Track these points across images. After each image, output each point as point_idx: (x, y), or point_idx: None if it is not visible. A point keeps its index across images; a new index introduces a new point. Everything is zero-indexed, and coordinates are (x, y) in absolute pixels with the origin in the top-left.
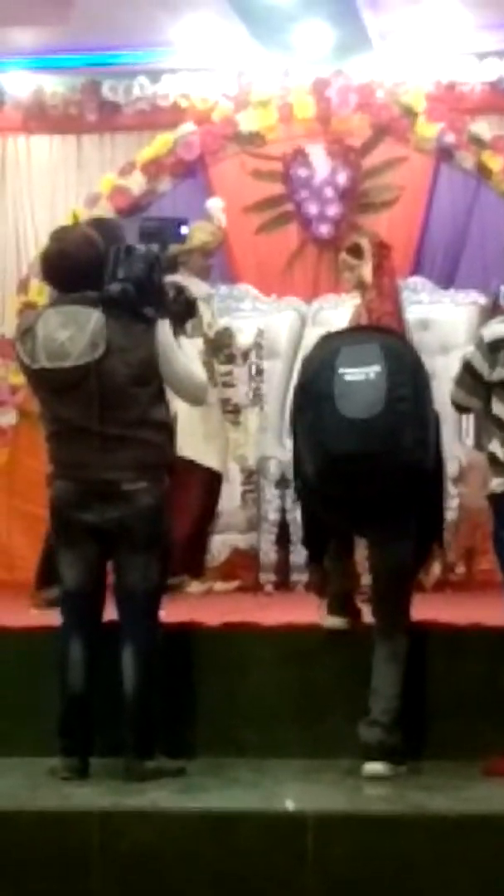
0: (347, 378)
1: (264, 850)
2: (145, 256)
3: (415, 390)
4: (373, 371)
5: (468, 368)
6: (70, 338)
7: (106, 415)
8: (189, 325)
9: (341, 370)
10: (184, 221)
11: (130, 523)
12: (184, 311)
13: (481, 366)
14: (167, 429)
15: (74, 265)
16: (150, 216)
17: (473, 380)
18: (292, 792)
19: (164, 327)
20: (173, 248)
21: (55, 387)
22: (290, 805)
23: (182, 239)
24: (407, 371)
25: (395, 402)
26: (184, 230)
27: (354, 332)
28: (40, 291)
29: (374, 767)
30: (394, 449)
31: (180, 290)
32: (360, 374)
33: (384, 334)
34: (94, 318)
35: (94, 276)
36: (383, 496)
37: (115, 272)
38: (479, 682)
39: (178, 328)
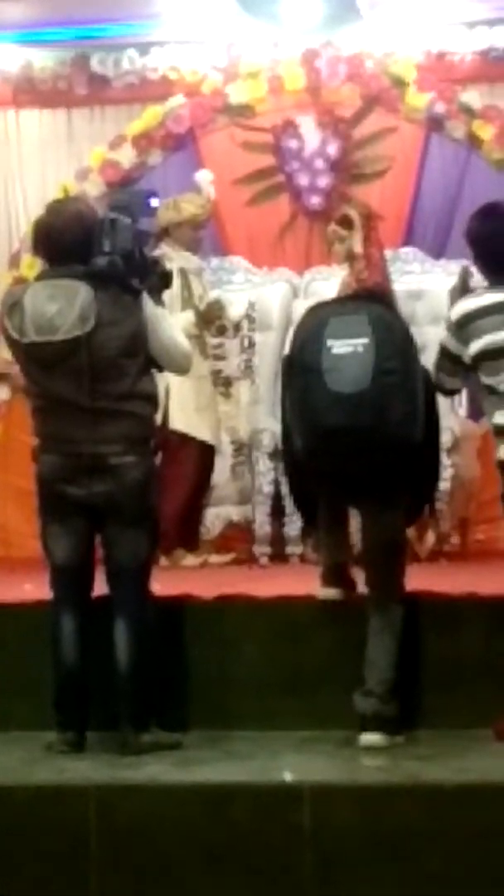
0: (335, 351)
1: (261, 823)
2: (131, 228)
3: (403, 363)
4: (360, 343)
5: (444, 352)
6: (59, 311)
7: (96, 388)
8: (179, 298)
9: (329, 342)
10: (153, 194)
11: (118, 497)
12: (160, 283)
13: (456, 347)
14: (154, 401)
15: (62, 238)
16: (119, 189)
17: (452, 363)
18: (288, 764)
19: (148, 298)
20: (162, 221)
21: (44, 361)
22: (286, 777)
23: (152, 212)
24: (396, 343)
25: (382, 376)
26: (153, 202)
27: (344, 302)
28: (31, 266)
29: (370, 738)
30: (381, 423)
31: (156, 261)
32: (348, 347)
33: (373, 304)
34: (82, 291)
35: (82, 249)
36: (372, 470)
37: (102, 245)
38: (474, 651)
39: (156, 299)
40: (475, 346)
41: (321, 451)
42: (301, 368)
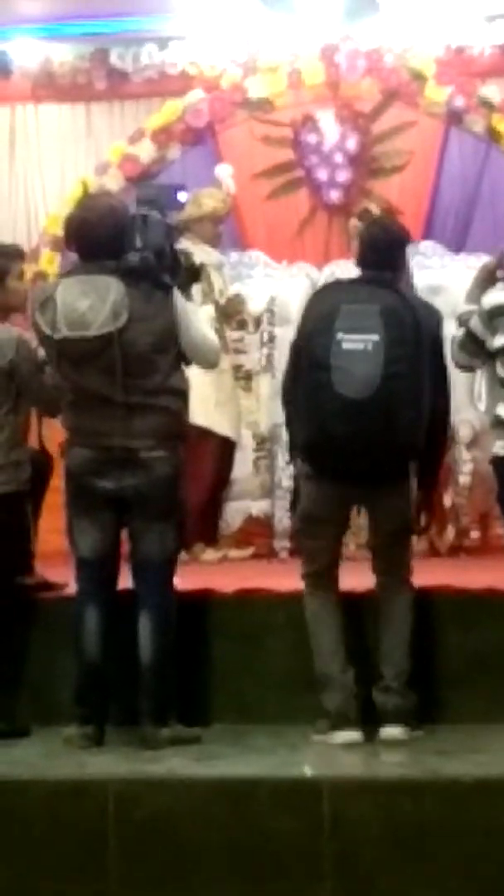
0: (345, 346)
1: (281, 817)
2: (162, 223)
3: (412, 364)
4: (371, 341)
5: (470, 335)
6: (91, 307)
7: (127, 383)
8: (199, 292)
9: (339, 335)
10: (181, 188)
11: (147, 491)
12: (189, 278)
13: (483, 333)
14: (184, 396)
15: (95, 234)
16: (147, 183)
17: (475, 345)
18: (308, 758)
19: (179, 294)
20: (182, 216)
21: (76, 356)
22: (306, 771)
23: (180, 206)
24: (406, 341)
25: (390, 380)
26: (181, 196)
27: (356, 287)
28: (51, 260)
29: (391, 732)
30: (387, 430)
31: (186, 256)
32: (359, 343)
33: (386, 292)
34: (113, 287)
35: (114, 245)
36: (375, 470)
37: (134, 240)
38: (493, 646)
39: (185, 294)
40: (501, 340)
41: (324, 451)
42: (309, 363)
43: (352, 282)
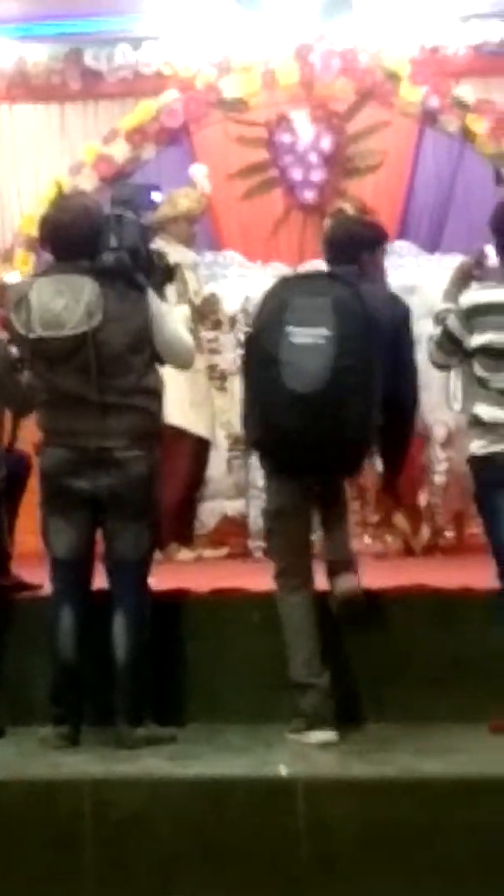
0: (295, 340)
1: (256, 816)
2: (137, 223)
3: (363, 359)
4: (321, 335)
5: (447, 333)
6: (65, 307)
7: (103, 383)
8: (174, 292)
9: (289, 328)
10: (156, 188)
11: (122, 491)
12: (164, 278)
13: (460, 333)
14: (159, 396)
15: (69, 234)
16: (122, 183)
17: (453, 344)
18: (284, 757)
19: (153, 294)
20: (157, 215)
21: (51, 356)
22: (282, 771)
23: (154, 206)
24: (358, 335)
25: (340, 374)
26: (156, 196)
27: (311, 280)
28: (25, 261)
29: (321, 735)
30: (336, 424)
31: (160, 255)
32: (309, 337)
33: (339, 285)
34: (88, 287)
35: (89, 245)
36: (328, 464)
37: (109, 240)
38: (469, 645)
39: (159, 294)
40: (478, 339)
41: (275, 446)
42: (260, 357)
43: (304, 276)
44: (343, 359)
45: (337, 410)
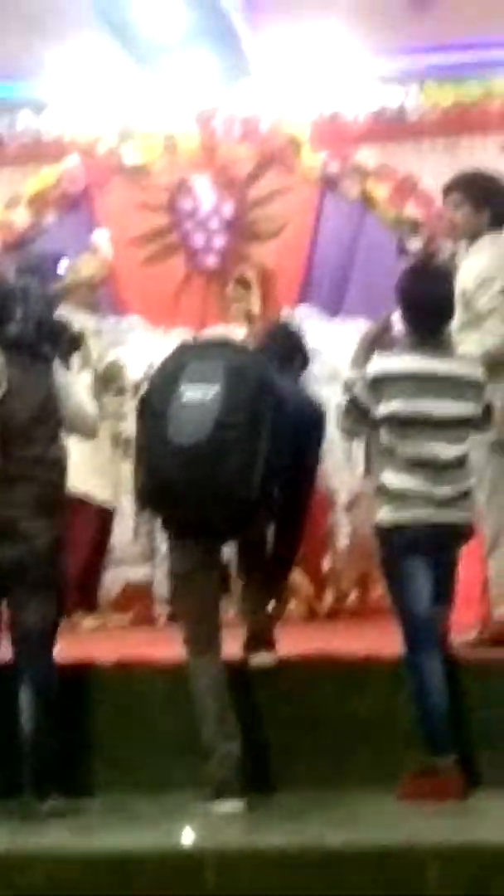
0: (184, 398)
1: (165, 888)
2: (43, 294)
3: (249, 416)
4: (211, 392)
5: (354, 401)
6: None
7: (7, 454)
8: (77, 358)
9: (182, 386)
10: (61, 256)
11: (27, 562)
12: (70, 347)
13: (367, 401)
14: (63, 467)
15: None
16: (27, 252)
17: (360, 413)
18: (192, 827)
19: (59, 364)
20: (60, 283)
21: None
22: (188, 842)
23: (60, 274)
24: (245, 394)
25: (222, 429)
26: (61, 265)
27: (208, 347)
28: None
29: (232, 805)
30: (214, 476)
31: (65, 326)
32: (198, 394)
33: (236, 352)
34: None
35: None
36: (205, 520)
37: (14, 312)
38: (374, 712)
39: (64, 363)
40: (385, 408)
41: (156, 496)
42: (150, 412)
43: (203, 342)
44: (228, 414)
45: (215, 461)
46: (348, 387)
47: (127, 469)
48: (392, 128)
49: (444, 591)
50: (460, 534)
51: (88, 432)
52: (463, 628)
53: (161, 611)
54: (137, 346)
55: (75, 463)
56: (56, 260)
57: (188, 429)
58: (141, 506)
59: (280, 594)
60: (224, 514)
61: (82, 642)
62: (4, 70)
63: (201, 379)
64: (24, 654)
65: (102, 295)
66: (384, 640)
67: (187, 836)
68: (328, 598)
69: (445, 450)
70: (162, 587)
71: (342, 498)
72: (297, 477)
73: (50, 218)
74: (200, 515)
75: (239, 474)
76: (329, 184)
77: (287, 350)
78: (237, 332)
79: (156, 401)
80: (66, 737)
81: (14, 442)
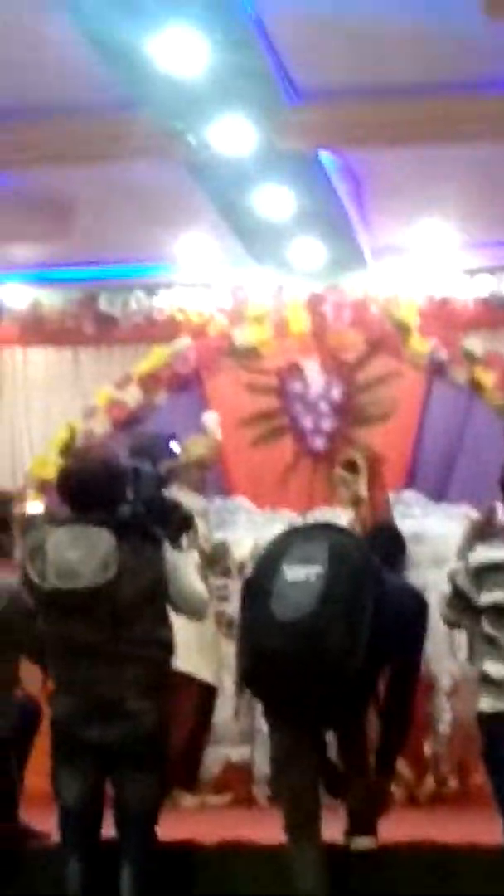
0: (288, 577)
1: None
2: (154, 476)
3: (354, 591)
4: (314, 572)
5: (457, 590)
6: (80, 559)
7: (116, 633)
8: (185, 539)
9: (285, 567)
10: (173, 437)
11: (133, 742)
12: (179, 527)
13: (469, 590)
14: (170, 647)
15: (87, 486)
16: (140, 432)
17: (462, 602)
18: None
19: (168, 545)
20: (170, 463)
21: (66, 607)
22: None
23: (172, 455)
24: (350, 576)
25: (326, 603)
26: (174, 446)
27: (313, 529)
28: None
29: None
30: (317, 649)
31: (176, 505)
32: (302, 573)
33: (339, 533)
34: (104, 539)
35: (106, 497)
36: (307, 696)
37: (126, 493)
38: None
39: (175, 543)
40: (487, 597)
41: (256, 671)
42: (255, 592)
43: (307, 525)
44: (332, 589)
45: (321, 634)
46: (451, 577)
47: (229, 648)
48: (500, 314)
49: None
50: None
51: (198, 613)
52: None
53: (260, 792)
54: (243, 528)
55: (180, 641)
56: (168, 440)
57: (292, 605)
58: (243, 686)
59: (388, 784)
60: (328, 689)
61: (183, 821)
62: (120, 252)
63: (306, 559)
64: (126, 835)
65: (210, 475)
66: (485, 828)
67: None
68: (429, 783)
69: None
70: (262, 768)
71: (444, 683)
72: (401, 668)
73: (161, 397)
74: (303, 690)
75: (343, 645)
76: (437, 369)
77: (390, 553)
78: (343, 515)
79: (260, 580)
80: None
81: (123, 622)
